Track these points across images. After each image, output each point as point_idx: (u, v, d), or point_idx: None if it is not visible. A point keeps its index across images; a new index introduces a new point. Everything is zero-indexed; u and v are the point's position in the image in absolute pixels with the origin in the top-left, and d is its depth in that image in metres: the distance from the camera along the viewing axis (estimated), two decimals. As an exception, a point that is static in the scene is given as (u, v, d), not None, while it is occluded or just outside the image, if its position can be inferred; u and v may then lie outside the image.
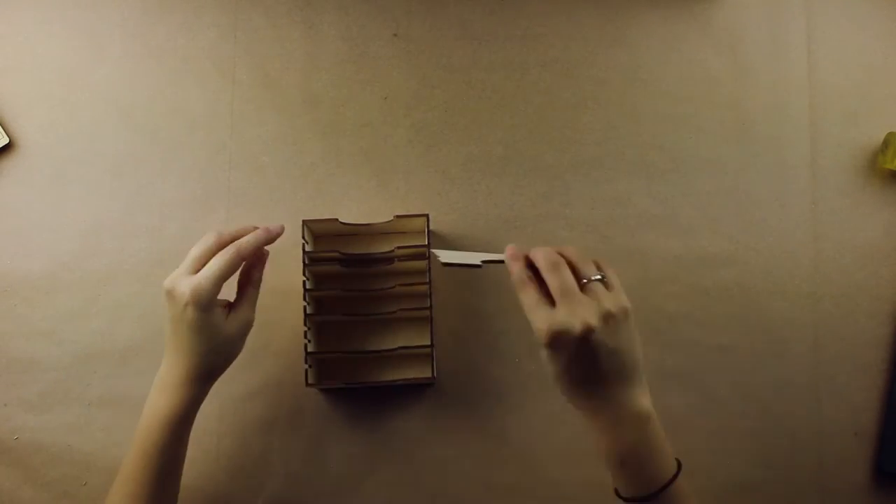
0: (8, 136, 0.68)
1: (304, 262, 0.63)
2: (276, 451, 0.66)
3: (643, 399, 0.51)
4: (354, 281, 0.68)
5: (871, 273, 0.69)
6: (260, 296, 0.60)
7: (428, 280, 0.63)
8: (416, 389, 0.67)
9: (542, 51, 0.71)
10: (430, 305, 0.63)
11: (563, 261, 0.50)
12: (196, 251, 0.56)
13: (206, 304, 0.53)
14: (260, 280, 0.60)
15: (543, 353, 0.50)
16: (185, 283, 0.54)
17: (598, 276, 0.50)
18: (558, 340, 0.47)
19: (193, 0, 0.71)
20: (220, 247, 0.56)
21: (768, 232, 0.70)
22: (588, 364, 0.48)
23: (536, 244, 0.68)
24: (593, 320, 0.47)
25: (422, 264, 0.64)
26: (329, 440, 0.66)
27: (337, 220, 0.64)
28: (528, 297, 0.50)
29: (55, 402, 0.66)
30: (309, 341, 0.63)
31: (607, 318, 0.48)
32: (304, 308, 0.62)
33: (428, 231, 0.64)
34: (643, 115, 0.71)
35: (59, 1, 0.70)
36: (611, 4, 0.72)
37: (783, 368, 0.68)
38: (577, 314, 0.47)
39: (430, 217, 0.66)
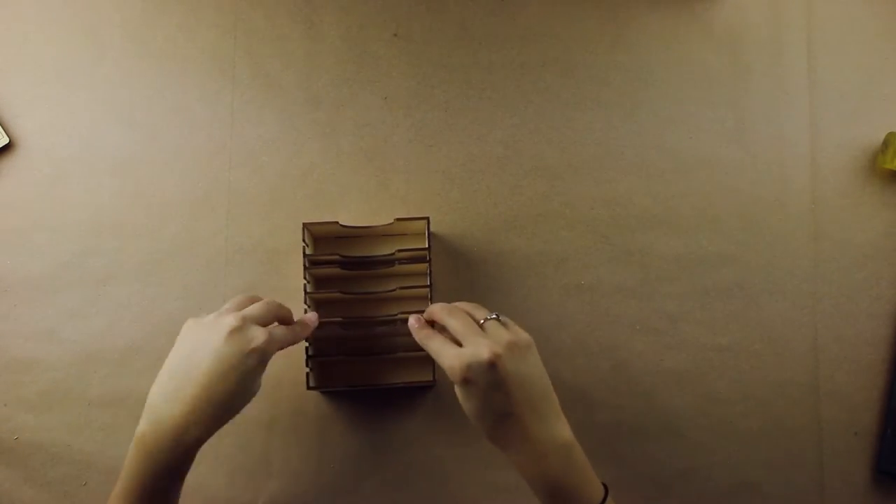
0: (8, 136, 0.68)
1: (304, 265, 0.63)
2: (276, 451, 0.66)
3: (563, 429, 0.52)
4: (355, 284, 0.67)
5: (871, 273, 0.69)
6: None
7: (429, 283, 0.62)
8: (416, 391, 0.67)
9: (542, 51, 0.71)
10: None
11: (458, 307, 0.55)
12: (263, 305, 0.55)
13: (266, 359, 0.53)
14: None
15: (459, 393, 0.51)
16: (261, 331, 0.52)
17: (493, 316, 0.54)
18: (470, 372, 0.49)
19: (193, 0, 0.71)
20: (281, 314, 0.57)
21: (768, 232, 0.70)
22: (502, 395, 0.50)
23: (536, 244, 0.69)
24: (498, 348, 0.50)
25: (422, 267, 0.64)
26: (329, 441, 0.66)
27: (337, 222, 0.63)
28: (435, 342, 0.53)
29: (55, 402, 0.66)
30: (310, 344, 0.63)
31: (511, 346, 0.51)
32: (305, 311, 0.62)
33: (428, 233, 0.64)
34: (643, 115, 0.71)
35: (59, 1, 0.71)
36: (611, 4, 0.72)
37: (783, 368, 0.68)
38: (482, 345, 0.50)
39: (431, 218, 0.66)
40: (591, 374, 0.68)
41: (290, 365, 0.66)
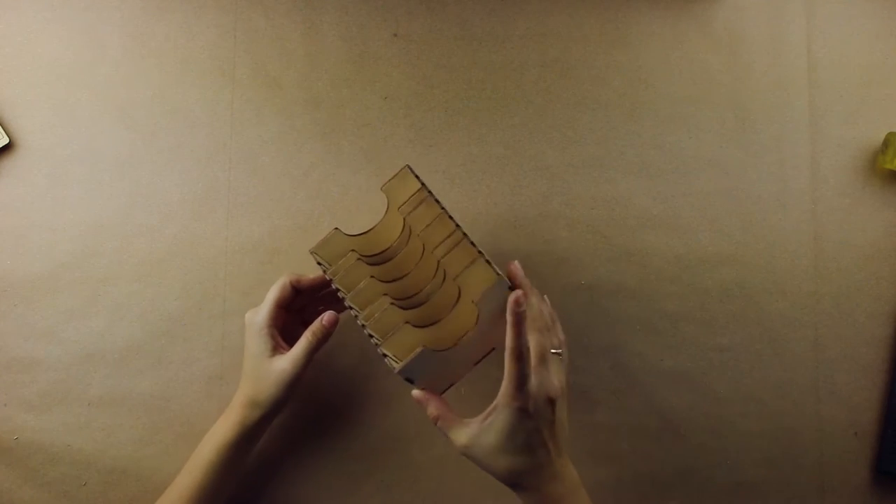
0: (8, 136, 0.68)
1: (335, 288, 0.57)
2: (275, 451, 0.66)
3: (574, 471, 0.54)
4: (391, 270, 0.60)
5: (871, 273, 0.69)
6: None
7: (449, 216, 0.56)
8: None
9: (542, 51, 0.71)
10: (472, 242, 0.56)
11: (543, 318, 0.55)
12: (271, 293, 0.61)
13: (256, 329, 0.59)
14: (321, 335, 0.59)
15: (504, 417, 0.51)
16: (248, 311, 0.61)
17: (559, 350, 0.56)
18: (529, 402, 0.51)
19: (193, 0, 0.71)
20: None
21: (768, 232, 0.70)
22: (547, 434, 0.52)
23: (536, 244, 0.69)
24: (560, 391, 0.53)
25: (433, 209, 0.57)
26: (329, 440, 0.66)
27: (338, 230, 0.59)
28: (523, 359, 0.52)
29: (55, 402, 0.66)
30: (379, 344, 0.55)
31: (565, 391, 0.54)
32: (359, 323, 0.56)
33: (415, 175, 0.58)
34: (643, 115, 0.71)
35: (59, 1, 0.71)
36: (611, 4, 0.72)
37: (783, 368, 0.68)
38: (551, 381, 0.52)
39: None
40: (591, 374, 0.68)
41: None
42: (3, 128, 0.68)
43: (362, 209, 0.69)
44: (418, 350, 0.52)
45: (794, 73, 0.71)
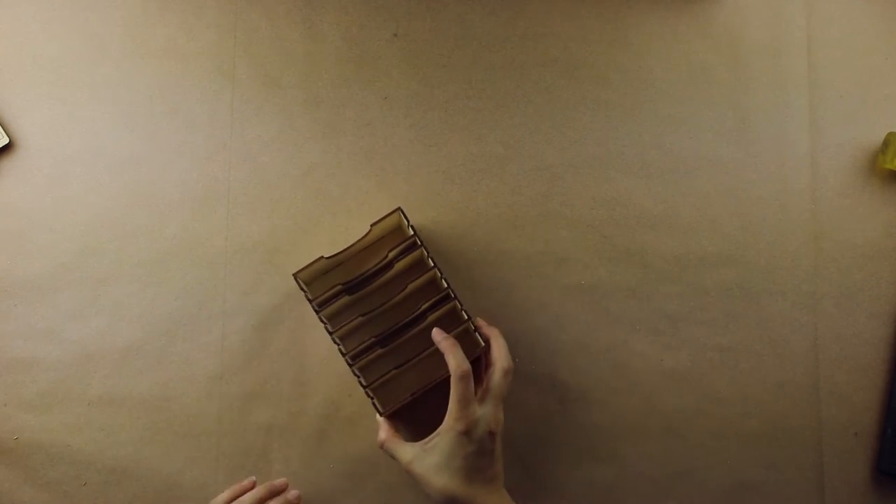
0: (8, 136, 0.68)
1: (314, 309, 0.62)
2: (276, 451, 0.66)
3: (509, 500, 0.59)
4: (368, 301, 0.65)
5: (871, 273, 0.69)
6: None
7: (432, 265, 0.62)
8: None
9: (542, 51, 0.71)
10: (448, 285, 0.62)
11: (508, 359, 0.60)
12: None
13: None
14: None
15: (448, 440, 0.57)
16: None
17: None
18: (473, 427, 0.56)
19: (193, 0, 0.71)
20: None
21: (768, 232, 0.70)
22: (487, 461, 0.57)
23: (536, 244, 0.69)
24: (501, 425, 0.58)
25: (419, 254, 0.63)
26: (329, 441, 0.66)
27: (322, 257, 0.62)
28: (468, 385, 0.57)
29: (55, 402, 0.66)
30: (360, 375, 0.62)
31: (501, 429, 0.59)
32: (340, 351, 0.61)
33: (407, 221, 0.63)
34: (643, 115, 0.71)
35: (59, 1, 0.71)
36: (611, 4, 0.72)
37: (783, 368, 0.68)
38: (495, 413, 0.58)
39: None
40: (591, 374, 0.68)
41: (290, 364, 0.66)
42: (3, 128, 0.68)
43: (362, 209, 0.69)
44: (408, 398, 0.61)
45: (794, 73, 0.71)
